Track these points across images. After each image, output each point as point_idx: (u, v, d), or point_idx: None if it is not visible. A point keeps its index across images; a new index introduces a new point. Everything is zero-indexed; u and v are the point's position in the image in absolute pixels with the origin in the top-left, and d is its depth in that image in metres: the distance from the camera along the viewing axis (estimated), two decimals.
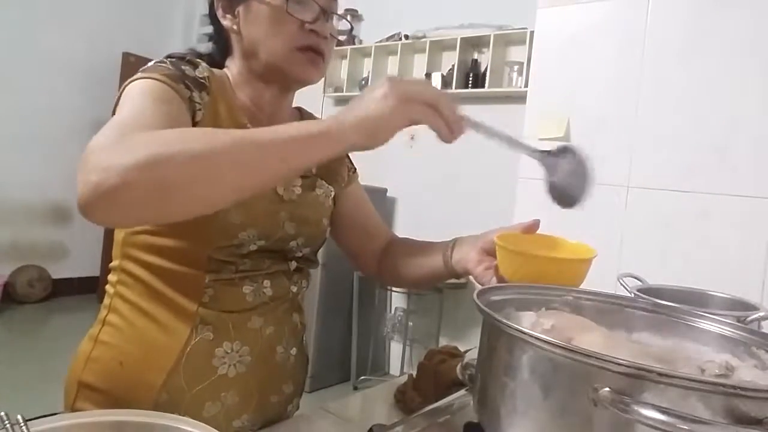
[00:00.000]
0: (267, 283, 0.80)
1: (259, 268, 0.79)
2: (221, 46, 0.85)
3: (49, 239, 4.30)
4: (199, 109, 0.72)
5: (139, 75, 0.69)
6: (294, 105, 0.92)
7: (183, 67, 0.73)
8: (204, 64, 0.77)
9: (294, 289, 0.85)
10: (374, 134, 0.55)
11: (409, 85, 0.56)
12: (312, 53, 0.78)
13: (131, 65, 4.30)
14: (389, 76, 0.56)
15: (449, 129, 0.59)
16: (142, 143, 0.51)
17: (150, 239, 0.75)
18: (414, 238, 0.98)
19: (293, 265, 0.84)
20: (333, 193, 0.90)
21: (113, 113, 0.68)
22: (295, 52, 0.77)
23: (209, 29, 0.86)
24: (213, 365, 0.75)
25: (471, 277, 0.81)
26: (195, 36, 4.73)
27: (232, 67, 0.83)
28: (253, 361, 0.79)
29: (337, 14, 0.82)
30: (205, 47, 0.88)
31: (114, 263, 0.81)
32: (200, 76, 0.74)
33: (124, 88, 0.68)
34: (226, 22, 0.80)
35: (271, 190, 0.78)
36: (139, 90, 0.66)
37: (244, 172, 0.53)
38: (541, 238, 0.75)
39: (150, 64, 0.72)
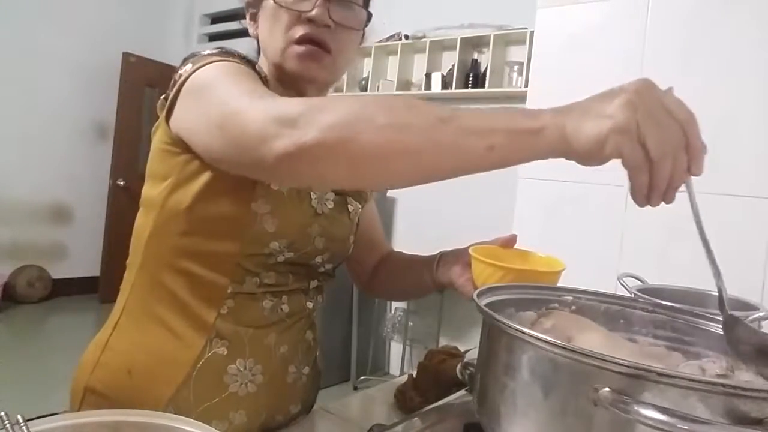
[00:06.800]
0: (285, 298, 0.78)
1: (282, 284, 0.77)
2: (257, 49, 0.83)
3: (49, 239, 4.30)
4: None
5: (206, 60, 0.65)
6: None
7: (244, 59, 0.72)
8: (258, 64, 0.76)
9: (310, 305, 0.83)
10: (581, 158, 0.49)
11: (653, 125, 0.47)
12: (310, 45, 0.71)
13: (131, 65, 4.31)
14: (642, 84, 0.48)
15: (651, 194, 0.50)
16: (343, 104, 0.50)
17: (182, 241, 0.72)
18: (404, 252, 0.98)
19: (314, 283, 0.83)
20: (360, 210, 0.88)
21: (170, 105, 0.67)
22: (292, 46, 0.72)
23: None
24: (224, 382, 0.73)
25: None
26: (195, 36, 4.73)
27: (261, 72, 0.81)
28: (265, 380, 0.76)
29: (343, 0, 0.73)
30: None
31: (133, 260, 0.77)
32: (261, 73, 0.73)
33: (186, 79, 0.65)
34: (252, 30, 0.79)
35: (306, 203, 0.76)
36: (224, 69, 0.63)
37: (445, 154, 0.50)
38: (516, 252, 0.78)
39: (204, 52, 0.69)
